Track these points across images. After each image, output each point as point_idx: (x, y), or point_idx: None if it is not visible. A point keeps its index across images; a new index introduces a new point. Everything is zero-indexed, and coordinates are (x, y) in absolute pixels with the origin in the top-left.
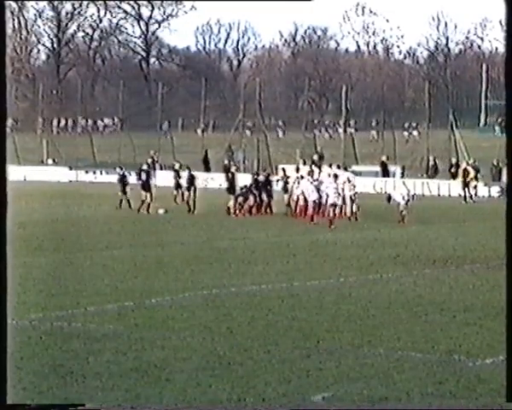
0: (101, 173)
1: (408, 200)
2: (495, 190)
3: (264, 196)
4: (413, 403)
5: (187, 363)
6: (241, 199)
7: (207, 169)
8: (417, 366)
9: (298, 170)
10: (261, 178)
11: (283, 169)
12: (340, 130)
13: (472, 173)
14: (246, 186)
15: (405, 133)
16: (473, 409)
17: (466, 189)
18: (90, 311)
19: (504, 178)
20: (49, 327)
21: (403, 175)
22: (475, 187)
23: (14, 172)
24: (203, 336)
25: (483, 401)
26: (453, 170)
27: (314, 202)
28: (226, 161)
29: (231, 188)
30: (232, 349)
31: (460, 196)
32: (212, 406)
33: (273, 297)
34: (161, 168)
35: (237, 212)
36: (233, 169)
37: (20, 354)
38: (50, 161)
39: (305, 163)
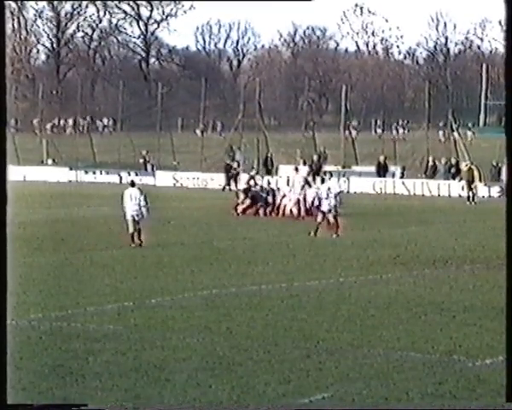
0: (101, 173)
1: (335, 205)
2: (495, 191)
3: (271, 199)
4: (413, 403)
5: (187, 363)
6: (249, 200)
7: (268, 172)
8: (417, 367)
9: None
10: (271, 180)
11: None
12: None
13: (477, 173)
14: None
15: (440, 132)
16: (473, 409)
17: (471, 189)
18: (90, 311)
19: (504, 177)
20: (48, 327)
21: (403, 175)
22: (476, 187)
23: (14, 173)
24: (203, 337)
25: (483, 401)
26: (453, 170)
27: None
28: (229, 161)
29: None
30: (232, 350)
31: (460, 196)
32: (212, 406)
33: (273, 297)
34: (158, 168)
35: (243, 211)
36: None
37: (19, 354)
38: (50, 161)
39: (305, 163)
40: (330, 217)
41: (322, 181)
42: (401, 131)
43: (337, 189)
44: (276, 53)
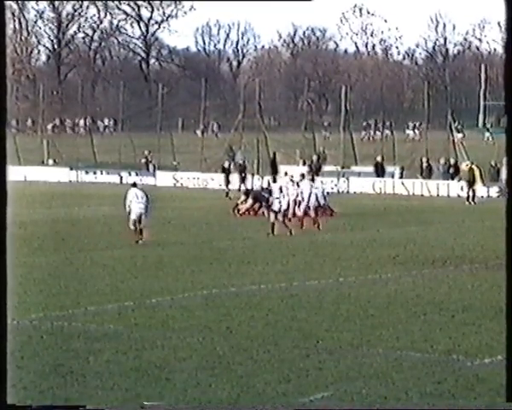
0: (102, 174)
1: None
2: (494, 191)
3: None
4: (412, 403)
5: (187, 363)
6: (251, 201)
7: (275, 172)
8: (416, 366)
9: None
10: (273, 181)
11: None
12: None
13: (478, 173)
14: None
15: (456, 133)
16: (472, 409)
17: (471, 189)
18: (91, 311)
19: (503, 177)
20: (49, 327)
21: (401, 175)
22: (476, 187)
23: (15, 173)
24: (203, 336)
25: (482, 400)
26: (452, 170)
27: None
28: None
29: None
30: (232, 349)
31: (459, 196)
32: (212, 406)
33: (273, 297)
34: (158, 168)
35: (244, 212)
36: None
37: (20, 353)
38: (51, 162)
39: (304, 163)
40: (280, 217)
41: (274, 181)
42: (417, 132)
43: (292, 190)
44: (276, 53)
